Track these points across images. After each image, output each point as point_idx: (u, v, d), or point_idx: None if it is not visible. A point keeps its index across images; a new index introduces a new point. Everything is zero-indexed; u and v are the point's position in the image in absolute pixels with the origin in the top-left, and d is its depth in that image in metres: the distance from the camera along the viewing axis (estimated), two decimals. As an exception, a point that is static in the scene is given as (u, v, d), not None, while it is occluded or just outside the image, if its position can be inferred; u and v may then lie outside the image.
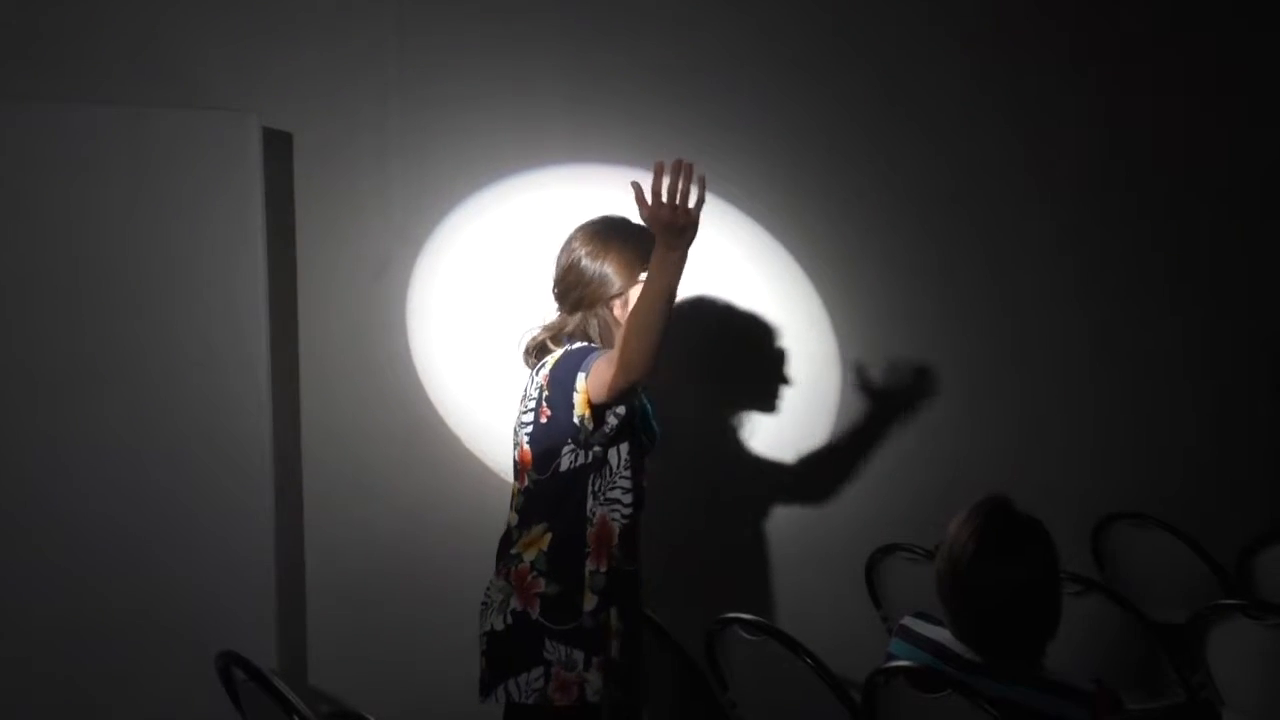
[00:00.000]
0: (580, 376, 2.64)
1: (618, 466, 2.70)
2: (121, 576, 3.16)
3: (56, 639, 3.11)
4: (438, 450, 3.60)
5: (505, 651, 2.70)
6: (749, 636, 2.87)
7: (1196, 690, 3.19)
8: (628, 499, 2.70)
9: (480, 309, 3.60)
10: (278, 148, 3.39)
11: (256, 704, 2.34)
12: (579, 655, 2.66)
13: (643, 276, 2.66)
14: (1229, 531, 3.92)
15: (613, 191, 3.60)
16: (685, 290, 3.79)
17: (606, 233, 2.73)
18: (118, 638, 3.15)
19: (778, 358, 3.99)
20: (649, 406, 2.82)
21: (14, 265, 3.10)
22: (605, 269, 2.70)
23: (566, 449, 2.68)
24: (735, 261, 3.93)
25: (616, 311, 2.73)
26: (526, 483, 2.74)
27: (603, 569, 2.68)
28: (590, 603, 2.67)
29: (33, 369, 3.11)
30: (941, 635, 2.45)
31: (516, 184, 3.66)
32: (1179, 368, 4.59)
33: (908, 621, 2.55)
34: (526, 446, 2.74)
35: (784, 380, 4.00)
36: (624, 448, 2.71)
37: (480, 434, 3.56)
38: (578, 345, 2.74)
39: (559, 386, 2.69)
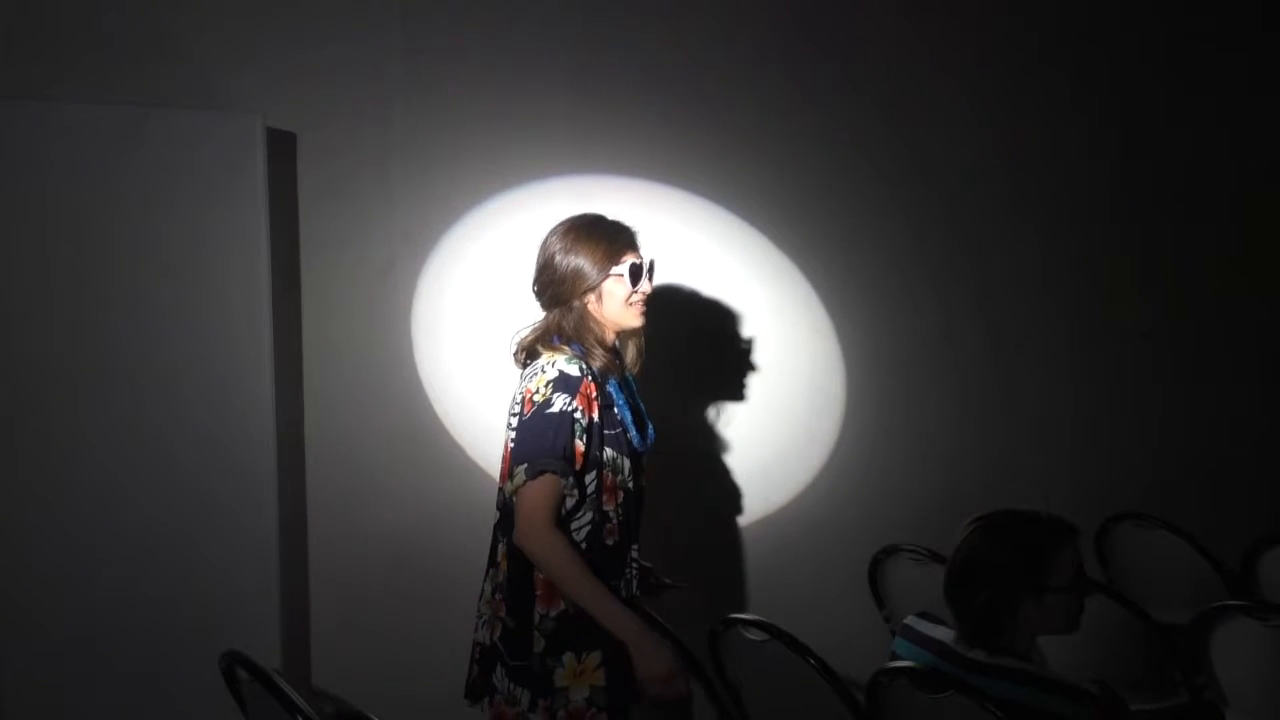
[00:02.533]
0: (521, 470, 2.54)
1: (574, 505, 2.57)
2: (125, 577, 3.16)
3: (60, 640, 3.11)
4: (441, 453, 3.61)
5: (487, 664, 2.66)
6: (753, 637, 2.87)
7: (1200, 691, 3.18)
8: (579, 538, 2.57)
9: (483, 311, 3.60)
10: (282, 148, 3.39)
11: (260, 704, 2.34)
12: (524, 694, 2.57)
13: (614, 270, 2.64)
14: (1233, 532, 3.91)
15: (615, 191, 3.63)
16: (684, 291, 3.84)
17: (580, 229, 2.69)
18: (122, 638, 3.15)
19: (780, 360, 3.99)
20: (630, 416, 2.68)
21: (15, 265, 3.10)
22: (578, 263, 2.65)
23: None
24: (737, 265, 3.93)
25: (591, 306, 2.66)
26: (503, 487, 2.66)
27: (553, 613, 2.56)
28: (539, 645, 2.56)
29: (34, 370, 3.11)
30: (944, 635, 2.46)
31: (520, 186, 3.66)
32: (1184, 368, 4.59)
33: (911, 621, 2.55)
34: (509, 448, 2.64)
35: (787, 382, 4.00)
36: (588, 480, 2.58)
37: (483, 437, 3.55)
38: (543, 370, 2.60)
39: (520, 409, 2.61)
